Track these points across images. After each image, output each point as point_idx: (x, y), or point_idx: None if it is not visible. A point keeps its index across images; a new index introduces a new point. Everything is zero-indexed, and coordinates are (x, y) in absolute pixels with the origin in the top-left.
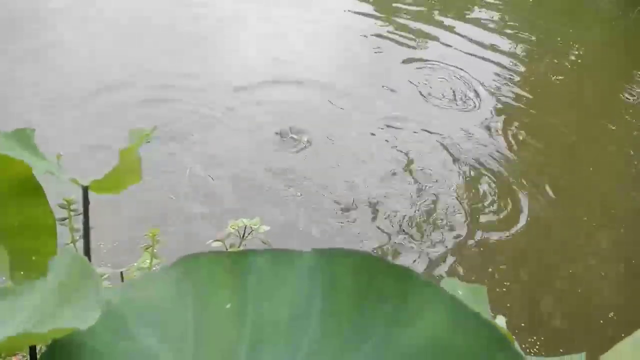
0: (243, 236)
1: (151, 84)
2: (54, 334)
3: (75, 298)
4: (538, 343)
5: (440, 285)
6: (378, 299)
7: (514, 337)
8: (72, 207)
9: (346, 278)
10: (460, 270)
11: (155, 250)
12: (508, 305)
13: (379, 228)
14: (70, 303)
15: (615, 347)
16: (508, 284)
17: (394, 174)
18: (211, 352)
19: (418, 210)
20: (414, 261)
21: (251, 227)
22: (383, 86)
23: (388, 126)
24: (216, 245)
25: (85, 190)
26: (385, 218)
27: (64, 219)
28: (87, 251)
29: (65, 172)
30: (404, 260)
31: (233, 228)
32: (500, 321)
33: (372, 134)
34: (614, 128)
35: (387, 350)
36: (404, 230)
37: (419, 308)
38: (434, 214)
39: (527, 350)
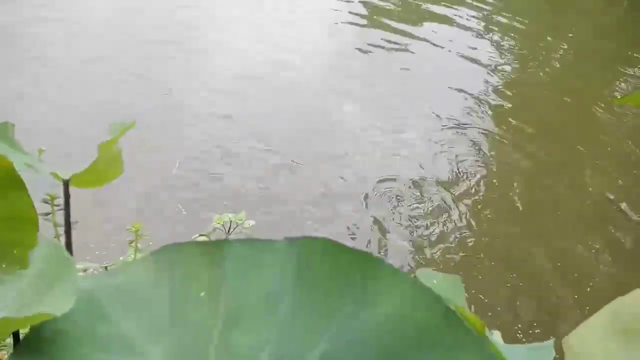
0: (229, 231)
1: None
2: (30, 320)
3: (52, 286)
4: None
5: (417, 274)
6: (345, 280)
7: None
8: (55, 202)
9: (316, 263)
10: None
11: (139, 245)
12: None
13: None
14: (47, 291)
15: (578, 328)
16: None
17: None
18: (186, 333)
19: None
20: None
21: (236, 222)
22: None
23: None
24: (202, 240)
25: (65, 183)
26: None
27: (47, 214)
28: (68, 244)
29: (46, 167)
30: None
31: (218, 223)
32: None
33: None
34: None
35: (353, 326)
36: None
37: (380, 288)
38: None
39: None
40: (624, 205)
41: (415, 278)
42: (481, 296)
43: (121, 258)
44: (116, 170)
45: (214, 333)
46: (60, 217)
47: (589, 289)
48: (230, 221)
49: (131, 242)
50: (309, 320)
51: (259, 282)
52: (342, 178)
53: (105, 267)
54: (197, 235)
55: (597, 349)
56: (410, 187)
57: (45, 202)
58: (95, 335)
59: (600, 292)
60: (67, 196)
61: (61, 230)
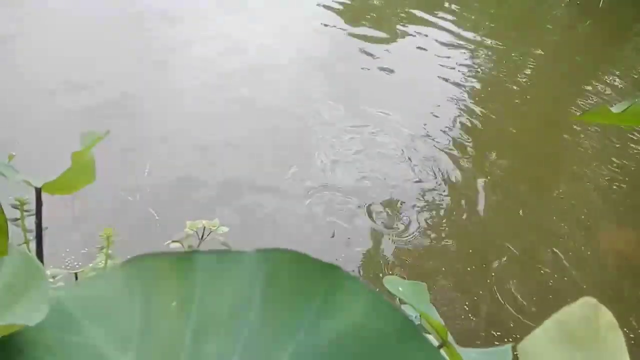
0: (202, 237)
1: None
2: (2, 330)
3: (23, 296)
4: None
5: (384, 281)
6: (310, 291)
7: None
8: (25, 207)
9: (283, 274)
10: None
11: (110, 252)
12: None
13: None
14: (18, 302)
15: (533, 333)
16: None
17: None
18: (157, 343)
19: None
20: None
21: (210, 229)
22: None
23: None
24: (174, 246)
25: (38, 191)
26: None
27: (16, 219)
28: (39, 252)
29: (18, 174)
30: None
31: (192, 229)
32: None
33: None
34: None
35: (316, 336)
36: None
37: (343, 299)
38: None
39: None
40: None
41: (375, 290)
42: None
43: (90, 265)
44: (88, 178)
45: (185, 342)
46: (30, 222)
47: None
48: (204, 227)
49: (102, 249)
50: (275, 329)
51: (228, 293)
52: None
53: (75, 274)
54: (170, 241)
55: (547, 355)
56: None
57: (15, 207)
58: (65, 345)
59: None
60: (39, 204)
61: (31, 235)
